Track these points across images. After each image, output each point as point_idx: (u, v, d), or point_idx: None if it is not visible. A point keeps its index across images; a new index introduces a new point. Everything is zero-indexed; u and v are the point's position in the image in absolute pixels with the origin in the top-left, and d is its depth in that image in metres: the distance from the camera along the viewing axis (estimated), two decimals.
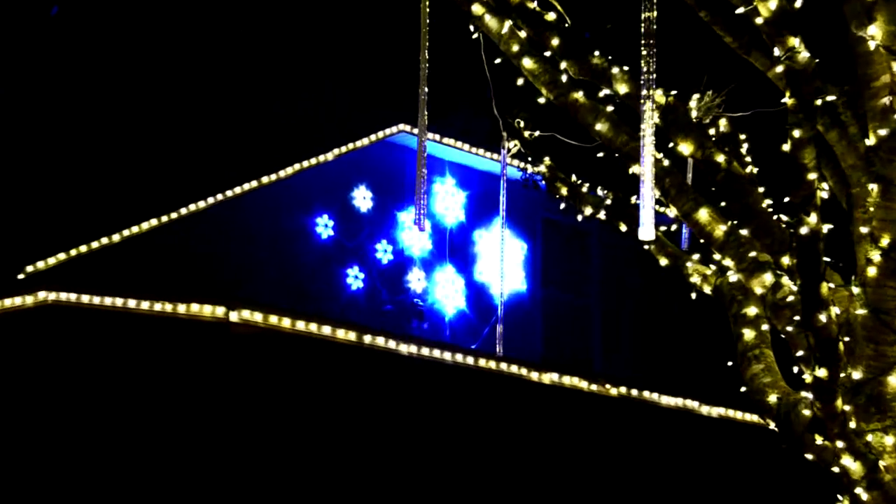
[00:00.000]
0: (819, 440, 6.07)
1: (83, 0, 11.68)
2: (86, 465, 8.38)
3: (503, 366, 9.66)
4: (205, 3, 12.10)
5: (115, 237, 10.68)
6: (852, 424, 6.03)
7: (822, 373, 5.93)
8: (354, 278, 12.20)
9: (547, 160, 8.21)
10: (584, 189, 7.97)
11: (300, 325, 8.78)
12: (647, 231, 5.97)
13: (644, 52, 6.19)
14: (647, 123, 6.03)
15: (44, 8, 11.49)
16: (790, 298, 6.42)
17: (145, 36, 11.86)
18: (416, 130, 7.46)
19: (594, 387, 10.02)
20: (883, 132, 6.00)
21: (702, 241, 6.87)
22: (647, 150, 6.01)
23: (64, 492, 8.35)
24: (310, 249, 11.96)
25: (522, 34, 7.17)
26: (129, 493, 8.31)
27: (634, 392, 10.28)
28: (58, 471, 8.38)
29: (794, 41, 5.92)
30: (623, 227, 7.68)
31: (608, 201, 7.77)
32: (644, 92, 6.08)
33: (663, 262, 7.42)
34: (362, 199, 12.42)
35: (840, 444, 5.99)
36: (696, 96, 7.21)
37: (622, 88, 6.96)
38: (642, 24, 6.14)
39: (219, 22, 12.22)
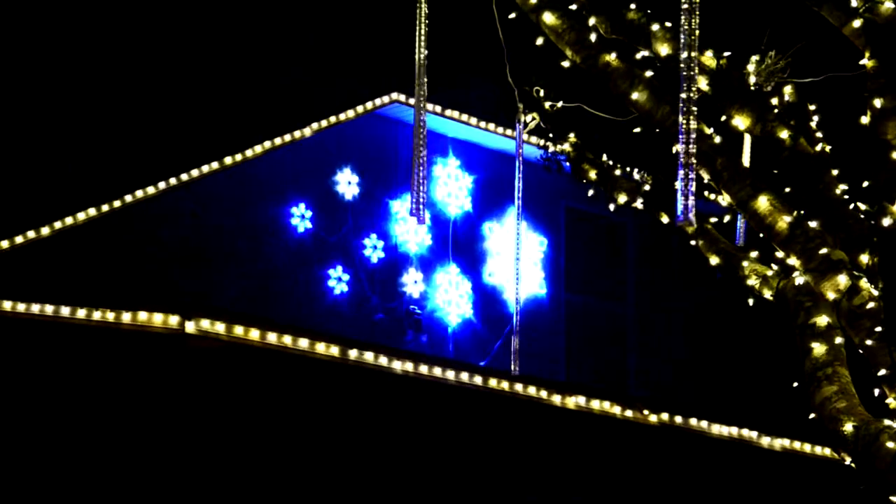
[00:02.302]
0: None
1: None
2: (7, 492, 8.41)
3: (519, 387, 9.66)
4: None
5: (45, 230, 10.67)
6: None
7: None
8: (337, 280, 12.20)
9: (572, 137, 8.22)
10: (618, 172, 7.97)
11: (271, 337, 8.78)
12: (685, 217, 5.95)
13: (685, 5, 6.18)
14: (687, 92, 6.01)
15: None
16: (870, 305, 6.41)
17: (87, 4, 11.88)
18: (412, 101, 7.44)
19: (629, 413, 10.02)
20: None
21: (761, 235, 6.86)
22: (685, 124, 5.99)
23: None
24: (283, 245, 11.96)
25: None
26: None
27: (679, 419, 10.27)
28: None
29: None
30: (665, 219, 7.69)
31: (646, 187, 7.78)
32: (684, 54, 6.06)
33: (714, 260, 7.42)
34: (347, 184, 12.43)
35: None
36: (754, 58, 7.19)
37: (664, 49, 6.95)
38: None
39: None
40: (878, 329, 6.27)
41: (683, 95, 6.07)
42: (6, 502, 8.42)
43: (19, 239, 10.58)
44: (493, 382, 9.61)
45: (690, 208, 5.97)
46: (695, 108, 6.05)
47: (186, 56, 12.06)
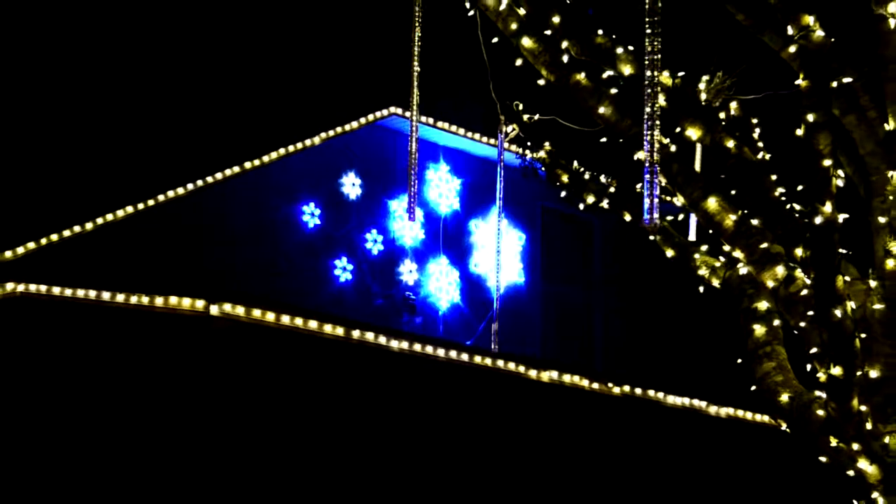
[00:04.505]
0: (834, 442, 6.08)
1: None
2: (53, 462, 8.38)
3: (500, 363, 9.66)
4: None
5: (89, 225, 10.65)
6: (869, 426, 6.04)
7: (836, 371, 5.95)
8: (343, 270, 12.19)
9: (547, 145, 8.21)
10: (587, 176, 7.97)
11: (285, 319, 8.77)
12: (649, 218, 5.97)
13: (648, 31, 6.18)
14: (651, 107, 6.01)
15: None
16: (804, 292, 6.43)
17: (118, 17, 11.83)
18: (408, 113, 7.44)
19: (596, 385, 10.03)
20: None
21: (710, 231, 6.87)
22: (649, 135, 5.99)
23: (31, 487, 8.34)
24: (295, 239, 11.94)
25: (521, 11, 7.16)
26: (98, 493, 8.31)
27: (638, 391, 10.28)
28: (25, 466, 8.37)
29: (809, 19, 5.93)
30: (627, 217, 7.68)
31: (612, 189, 7.77)
32: (648, 73, 6.07)
33: (670, 253, 7.43)
34: (351, 186, 12.41)
35: (856, 446, 6.01)
36: (705, 78, 7.21)
37: (627, 69, 6.95)
38: (646, 0, 6.13)
39: (200, 2, 12.18)
40: (811, 313, 6.29)
41: (648, 110, 6.08)
42: (52, 461, 8.41)
43: (67, 233, 10.57)
44: (477, 359, 9.62)
45: (655, 209, 5.98)
46: (658, 122, 6.07)
47: (210, 77, 12.05)
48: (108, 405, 8.51)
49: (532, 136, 8.42)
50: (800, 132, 5.99)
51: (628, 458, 10.20)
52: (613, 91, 6.95)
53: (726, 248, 6.94)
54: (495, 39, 7.52)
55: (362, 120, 12.41)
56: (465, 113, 12.88)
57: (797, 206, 6.64)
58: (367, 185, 12.48)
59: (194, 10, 12.11)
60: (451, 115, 12.85)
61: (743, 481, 10.78)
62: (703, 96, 7.12)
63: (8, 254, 10.21)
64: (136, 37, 11.83)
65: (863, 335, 6.17)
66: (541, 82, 7.24)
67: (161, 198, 11.04)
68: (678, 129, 6.94)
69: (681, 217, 8.03)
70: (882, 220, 6.28)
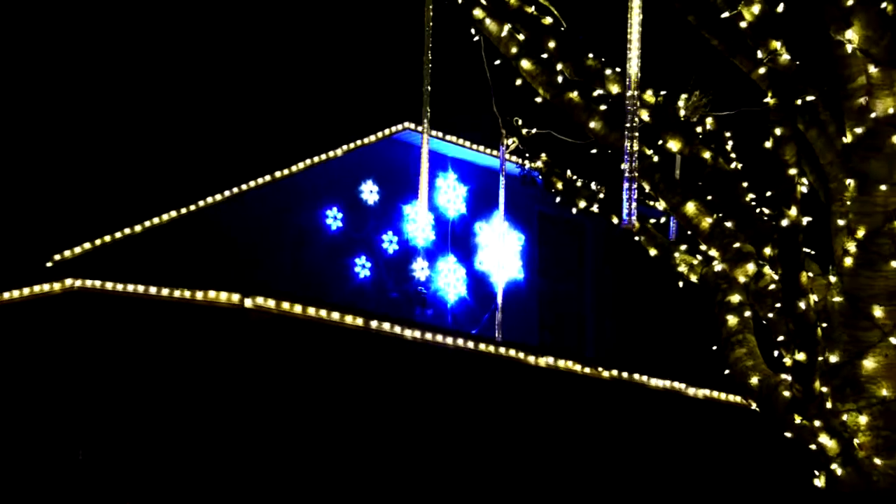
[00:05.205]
0: (798, 420, 6.12)
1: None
2: (105, 444, 8.43)
3: (502, 350, 9.69)
4: (219, 2, 12.13)
5: (138, 228, 10.71)
6: (829, 405, 6.07)
7: (801, 356, 5.98)
8: (362, 267, 12.23)
9: (543, 156, 8.23)
10: (579, 184, 7.99)
11: (311, 311, 8.80)
12: (626, 218, 6.01)
13: (629, 56, 6.23)
14: (630, 123, 6.07)
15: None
16: (771, 287, 6.46)
17: (163, 32, 11.88)
18: (420, 128, 7.49)
19: (587, 370, 10.05)
20: (859, 130, 6.04)
21: (689, 232, 6.90)
22: (629, 146, 6.05)
23: (84, 469, 8.39)
24: (320, 240, 11.99)
25: (521, 37, 7.19)
26: (145, 473, 8.36)
27: (625, 374, 10.31)
28: (80, 449, 8.42)
29: (776, 44, 5.96)
30: (615, 220, 7.71)
31: (601, 195, 7.80)
32: (629, 93, 6.12)
33: (652, 252, 7.45)
34: (369, 192, 12.45)
35: (817, 423, 6.04)
36: (684, 96, 7.23)
37: (614, 88, 6.99)
38: (628, 30, 6.17)
39: (234, 25, 12.24)
40: (778, 305, 6.32)
41: (628, 125, 6.14)
42: (107, 436, 8.46)
43: (118, 234, 10.62)
44: (481, 346, 9.65)
45: (633, 212, 6.03)
46: (636, 135, 6.11)
47: (243, 97, 12.11)
48: (154, 386, 8.56)
49: (530, 148, 8.45)
50: (768, 144, 6.02)
51: (616, 434, 10.22)
52: (603, 108, 6.98)
53: (703, 247, 6.96)
54: (498, 62, 7.56)
55: (379, 134, 12.45)
56: (471, 127, 12.92)
57: (766, 210, 6.67)
58: (383, 191, 12.52)
59: (233, 42, 12.17)
60: (458, 130, 12.89)
61: (717, 454, 10.81)
62: (683, 112, 7.15)
63: (67, 253, 10.27)
64: (180, 61, 11.88)
65: (824, 325, 6.21)
66: (538, 100, 7.27)
67: (201, 203, 11.10)
68: (660, 142, 6.97)
69: (662, 220, 8.05)
70: (840, 222, 6.32)
